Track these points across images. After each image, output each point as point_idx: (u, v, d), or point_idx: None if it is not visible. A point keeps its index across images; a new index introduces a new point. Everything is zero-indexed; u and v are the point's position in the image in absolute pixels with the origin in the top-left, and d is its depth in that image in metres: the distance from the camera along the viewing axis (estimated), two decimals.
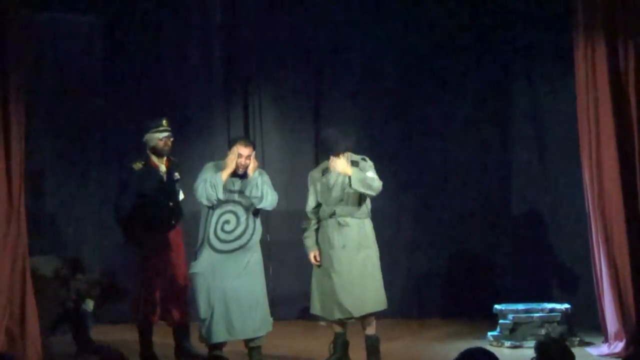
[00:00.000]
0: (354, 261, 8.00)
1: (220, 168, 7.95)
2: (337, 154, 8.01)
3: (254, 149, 8.07)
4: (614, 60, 8.48)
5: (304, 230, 8.23)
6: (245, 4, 10.53)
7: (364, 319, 8.04)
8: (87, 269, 8.01)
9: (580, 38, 8.59)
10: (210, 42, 10.52)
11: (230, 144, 8.11)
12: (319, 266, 8.12)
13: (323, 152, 8.18)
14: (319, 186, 8.15)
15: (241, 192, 7.89)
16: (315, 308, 8.15)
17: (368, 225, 8.11)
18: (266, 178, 8.03)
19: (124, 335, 9.03)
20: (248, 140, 8.27)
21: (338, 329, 8.13)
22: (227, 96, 10.60)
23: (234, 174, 7.91)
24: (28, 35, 9.11)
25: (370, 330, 8.09)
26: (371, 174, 8.02)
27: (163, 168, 8.52)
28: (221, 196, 7.80)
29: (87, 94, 10.22)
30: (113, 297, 7.99)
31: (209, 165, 8.04)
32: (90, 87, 10.22)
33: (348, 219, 8.02)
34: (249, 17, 10.54)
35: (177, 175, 8.50)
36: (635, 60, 8.39)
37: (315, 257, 8.14)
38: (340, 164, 7.97)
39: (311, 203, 8.20)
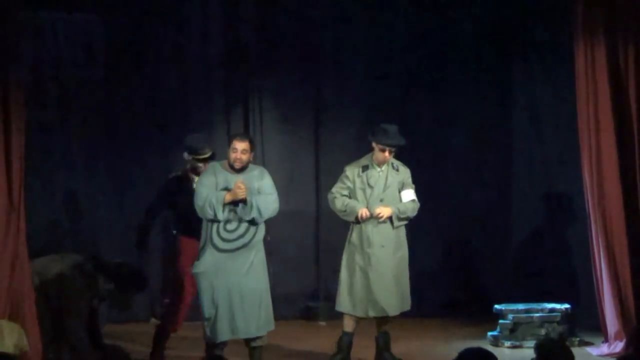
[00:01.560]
0: (392, 260, 8.10)
1: (219, 169, 7.95)
2: (386, 148, 8.11)
3: (252, 143, 7.97)
4: (614, 60, 8.49)
5: (334, 199, 8.25)
6: (245, 3, 10.53)
7: (383, 318, 8.15)
8: (106, 263, 8.00)
9: (580, 38, 8.59)
10: (210, 42, 10.51)
11: (229, 139, 8.14)
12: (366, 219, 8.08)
13: (374, 140, 8.21)
14: (358, 183, 8.20)
15: None
16: (344, 306, 8.16)
17: (402, 226, 8.20)
18: (267, 180, 7.99)
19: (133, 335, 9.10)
20: (244, 135, 8.22)
21: (349, 328, 8.14)
22: (227, 96, 10.59)
23: (235, 171, 7.91)
24: (28, 35, 9.12)
25: (386, 327, 8.21)
26: (410, 194, 8.19)
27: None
28: (221, 218, 7.80)
29: (87, 94, 10.20)
30: (135, 286, 7.98)
31: (209, 169, 8.03)
32: (90, 88, 10.20)
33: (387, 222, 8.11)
34: (249, 17, 10.54)
35: None
36: (635, 60, 8.40)
37: (365, 212, 8.07)
38: (386, 211, 8.06)
39: (341, 191, 8.24)
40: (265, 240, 8.26)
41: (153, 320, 10.44)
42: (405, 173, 8.27)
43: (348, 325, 8.18)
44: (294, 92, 10.67)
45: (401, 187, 8.22)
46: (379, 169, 8.19)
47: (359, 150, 10.69)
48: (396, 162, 8.28)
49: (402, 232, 8.24)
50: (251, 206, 7.79)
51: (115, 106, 10.29)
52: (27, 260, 7.79)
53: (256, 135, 10.48)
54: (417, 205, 8.24)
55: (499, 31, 10.42)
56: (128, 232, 10.24)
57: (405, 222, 8.21)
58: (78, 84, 10.17)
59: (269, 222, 8.19)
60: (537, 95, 10.38)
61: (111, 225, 10.25)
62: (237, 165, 7.88)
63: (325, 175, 10.66)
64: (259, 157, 10.40)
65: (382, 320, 8.21)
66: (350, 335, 8.18)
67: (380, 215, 8.05)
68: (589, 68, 8.57)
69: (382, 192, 8.14)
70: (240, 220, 7.85)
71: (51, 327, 7.73)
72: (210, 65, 10.52)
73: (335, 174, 10.61)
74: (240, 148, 7.86)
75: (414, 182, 8.47)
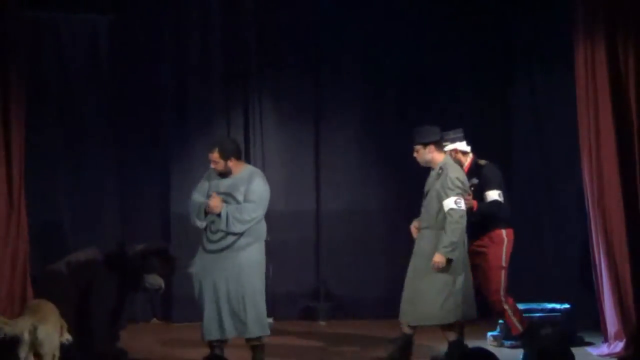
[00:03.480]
0: (417, 273, 7.94)
1: (211, 174, 8.02)
2: (418, 145, 7.97)
3: (222, 152, 7.91)
4: (614, 60, 8.48)
5: None
6: (245, 3, 10.53)
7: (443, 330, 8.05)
8: (131, 249, 8.06)
9: (580, 38, 8.60)
10: (210, 42, 10.52)
11: None
12: None
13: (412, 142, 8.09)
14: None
15: (227, 194, 7.90)
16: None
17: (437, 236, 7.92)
18: (253, 186, 7.93)
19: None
20: (212, 145, 8.03)
21: (407, 330, 8.08)
22: (227, 96, 10.59)
23: (221, 175, 7.96)
24: (29, 35, 9.12)
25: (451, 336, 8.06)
26: (447, 203, 7.83)
27: None
28: (200, 226, 7.90)
29: (88, 94, 10.20)
30: (169, 261, 8.06)
31: (206, 174, 8.11)
32: (90, 87, 10.21)
33: (425, 230, 7.95)
34: (248, 17, 10.54)
35: (474, 180, 8.33)
36: (635, 60, 8.39)
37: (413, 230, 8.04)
38: (438, 262, 7.84)
39: None
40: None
41: (154, 320, 10.47)
42: (442, 180, 7.89)
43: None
44: (294, 92, 10.67)
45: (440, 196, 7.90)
46: (432, 172, 8.01)
47: (359, 150, 10.75)
48: (445, 167, 7.94)
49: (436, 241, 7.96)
50: (226, 220, 7.81)
51: (117, 106, 10.29)
52: (28, 260, 7.80)
53: (256, 135, 10.50)
54: (454, 216, 7.79)
55: (500, 31, 10.41)
56: (129, 230, 10.29)
57: (455, 247, 7.84)
58: (79, 84, 10.17)
59: (269, 222, 8.18)
60: (537, 95, 10.38)
61: (113, 224, 10.26)
62: (217, 173, 7.98)
63: (325, 175, 10.68)
64: (259, 157, 10.41)
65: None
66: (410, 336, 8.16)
67: (435, 267, 7.84)
68: (589, 68, 8.57)
69: (424, 199, 7.94)
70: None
71: (75, 315, 7.72)
72: (211, 65, 10.52)
73: (335, 174, 10.68)
74: (210, 159, 7.96)
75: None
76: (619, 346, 8.40)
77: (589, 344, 8.84)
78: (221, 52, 10.54)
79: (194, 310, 8.31)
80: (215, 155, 7.91)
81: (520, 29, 10.38)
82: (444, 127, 10.59)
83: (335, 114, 10.67)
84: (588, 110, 8.58)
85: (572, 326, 9.00)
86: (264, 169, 10.24)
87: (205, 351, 8.01)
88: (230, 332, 7.86)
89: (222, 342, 7.93)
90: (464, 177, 8.04)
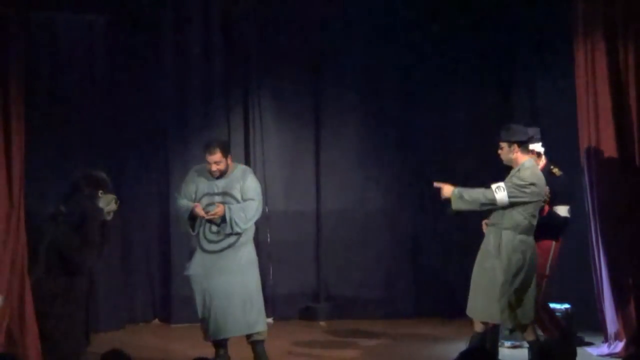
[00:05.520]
0: (479, 268, 7.79)
1: (200, 175, 7.98)
2: (503, 142, 7.82)
3: (223, 150, 7.91)
4: (614, 60, 8.49)
5: None
6: (245, 4, 10.53)
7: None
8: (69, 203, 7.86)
9: (580, 38, 8.60)
10: (210, 42, 10.51)
11: (204, 149, 8.00)
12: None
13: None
14: None
15: (224, 194, 7.90)
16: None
17: (506, 236, 7.65)
18: (249, 183, 7.94)
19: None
20: (213, 145, 7.94)
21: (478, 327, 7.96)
22: (227, 96, 10.59)
23: (212, 175, 7.93)
24: (29, 35, 9.11)
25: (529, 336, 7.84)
26: (494, 184, 7.70)
27: None
28: (193, 233, 7.91)
29: (86, 94, 10.19)
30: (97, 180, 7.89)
31: (190, 175, 8.08)
32: (89, 87, 10.19)
33: (491, 227, 7.75)
34: (249, 18, 10.54)
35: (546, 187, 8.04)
36: (635, 60, 8.40)
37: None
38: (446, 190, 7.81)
39: None
40: (264, 240, 8.23)
41: (155, 320, 10.46)
42: (511, 175, 7.73)
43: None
44: (294, 92, 10.66)
45: None
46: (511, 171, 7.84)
47: (359, 150, 10.74)
48: (522, 168, 7.71)
49: (505, 241, 7.66)
50: (230, 223, 7.82)
51: (116, 106, 10.27)
52: (27, 260, 7.79)
53: (256, 135, 10.49)
54: (487, 193, 7.65)
55: (500, 31, 10.41)
56: (129, 230, 10.28)
57: (468, 206, 7.74)
58: (78, 84, 10.16)
59: (269, 222, 8.19)
60: (537, 95, 10.37)
61: (112, 224, 10.23)
62: (216, 175, 7.95)
63: (326, 175, 10.67)
64: (259, 157, 10.40)
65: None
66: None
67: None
68: (589, 68, 8.57)
69: None
70: (224, 221, 7.88)
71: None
72: (211, 65, 10.51)
73: (336, 174, 10.68)
74: (212, 161, 7.88)
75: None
76: (619, 346, 8.40)
77: (589, 344, 8.84)
78: (221, 52, 10.53)
79: (194, 311, 8.32)
80: (218, 156, 7.85)
81: (521, 28, 10.37)
82: (445, 127, 10.66)
83: (335, 114, 10.66)
84: (588, 110, 8.59)
85: (572, 326, 8.99)
86: (264, 169, 10.26)
87: (205, 351, 8.02)
88: (239, 329, 7.87)
89: (225, 339, 7.96)
90: (533, 182, 7.64)
